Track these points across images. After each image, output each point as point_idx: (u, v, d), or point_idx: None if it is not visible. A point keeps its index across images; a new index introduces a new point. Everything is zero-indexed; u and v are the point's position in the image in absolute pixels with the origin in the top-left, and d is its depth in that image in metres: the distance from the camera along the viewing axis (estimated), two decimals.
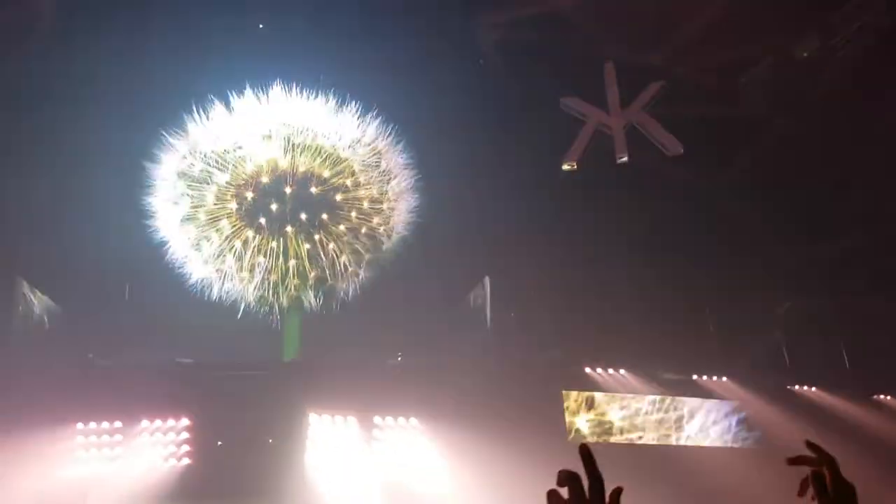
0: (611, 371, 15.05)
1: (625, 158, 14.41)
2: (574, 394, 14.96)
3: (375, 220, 14.83)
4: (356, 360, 13.89)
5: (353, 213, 14.76)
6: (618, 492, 3.41)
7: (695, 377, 15.70)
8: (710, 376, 15.71)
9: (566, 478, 3.46)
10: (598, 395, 15.10)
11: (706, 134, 14.15)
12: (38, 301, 13.61)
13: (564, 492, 3.35)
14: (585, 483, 3.37)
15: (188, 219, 14.55)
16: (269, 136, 14.66)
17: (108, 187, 13.90)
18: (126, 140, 14.17)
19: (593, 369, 15.03)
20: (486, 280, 15.00)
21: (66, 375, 13.09)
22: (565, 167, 14.87)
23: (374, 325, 14.16)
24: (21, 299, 13.43)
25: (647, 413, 15.34)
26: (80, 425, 13.05)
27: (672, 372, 15.64)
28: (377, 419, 13.98)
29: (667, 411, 15.47)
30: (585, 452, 3.53)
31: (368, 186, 14.75)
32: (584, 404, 15.01)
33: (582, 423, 15.06)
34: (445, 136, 14.57)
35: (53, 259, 13.42)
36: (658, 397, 15.44)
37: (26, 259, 13.50)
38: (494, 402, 13.95)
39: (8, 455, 11.95)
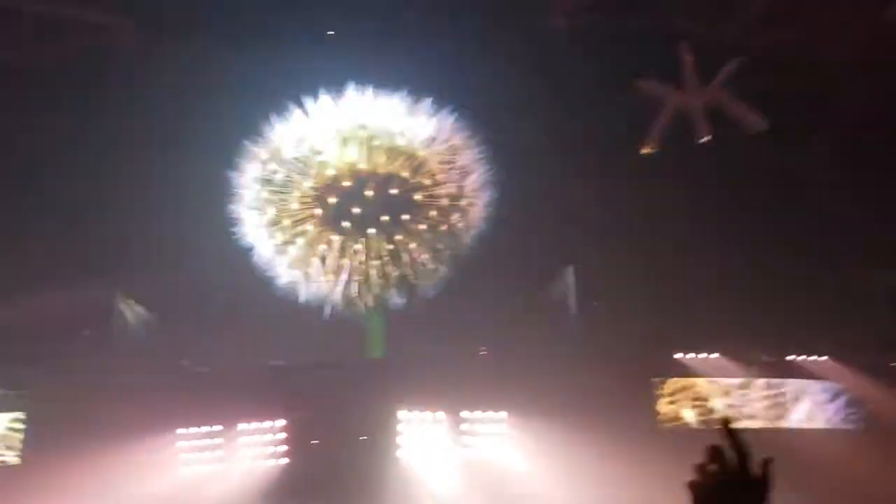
0: (703, 355, 14.68)
1: (706, 138, 14.00)
2: (671, 381, 14.68)
3: (454, 216, 14.86)
4: (441, 356, 13.97)
5: (433, 212, 14.82)
6: (768, 461, 3.44)
7: (792, 358, 15.15)
8: (808, 356, 15.14)
9: (714, 453, 3.48)
10: (699, 382, 14.74)
11: (788, 108, 13.58)
12: (133, 311, 14.15)
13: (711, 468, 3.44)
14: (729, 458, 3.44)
15: (273, 224, 14.86)
16: (348, 139, 14.84)
17: (196, 196, 14.29)
18: (209, 149, 14.54)
19: (684, 354, 14.70)
20: (570, 269, 14.85)
21: (164, 382, 13.64)
22: (644, 150, 14.54)
23: (457, 321, 14.18)
24: (118, 310, 13.99)
25: (751, 399, 14.91)
26: (181, 430, 13.60)
27: (767, 353, 15.16)
28: (465, 413, 14.09)
29: (772, 394, 15.00)
30: (728, 426, 3.50)
31: (446, 184, 14.79)
32: (683, 392, 14.70)
33: (686, 412, 14.79)
34: (522, 124, 14.43)
35: (145, 269, 13.89)
36: (762, 380, 14.96)
37: (120, 270, 14.00)
38: (582, 393, 13.84)
39: (116, 462, 12.56)
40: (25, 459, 12.67)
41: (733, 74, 13.37)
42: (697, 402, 14.84)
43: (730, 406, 14.80)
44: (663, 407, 14.68)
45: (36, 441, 12.88)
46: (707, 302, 13.99)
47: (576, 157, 14.31)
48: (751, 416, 14.78)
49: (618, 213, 14.41)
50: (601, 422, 13.43)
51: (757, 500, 3.41)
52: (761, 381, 15.01)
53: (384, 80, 14.46)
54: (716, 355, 14.64)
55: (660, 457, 12.77)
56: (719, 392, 14.93)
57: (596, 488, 13.06)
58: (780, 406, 15.11)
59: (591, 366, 14.14)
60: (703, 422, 14.64)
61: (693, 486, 3.64)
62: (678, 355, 14.68)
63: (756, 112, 13.41)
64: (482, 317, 14.38)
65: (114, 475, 12.53)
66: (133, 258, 14.08)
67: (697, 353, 14.62)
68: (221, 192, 14.43)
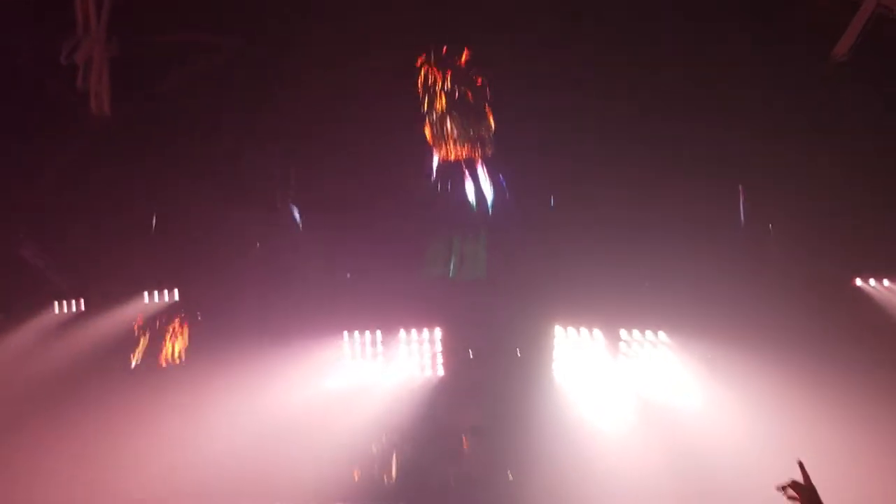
0: (886, 283, 13.48)
1: None
2: None
3: None
4: (600, 272, 13.70)
5: None
6: None
7: None
8: None
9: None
10: None
11: None
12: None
13: None
14: None
15: None
16: None
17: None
18: None
19: (865, 281, 13.57)
20: (739, 188, 13.97)
21: (331, 291, 14.33)
22: (836, 59, 13.14)
23: (618, 237, 13.77)
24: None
25: None
26: (345, 334, 14.30)
27: None
28: (623, 332, 13.85)
29: None
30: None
31: None
32: None
33: None
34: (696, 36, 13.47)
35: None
36: None
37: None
38: (749, 318, 13.23)
39: (281, 364, 13.49)
40: (197, 358, 13.79)
41: None
42: None
43: None
44: None
45: (208, 341, 13.95)
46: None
47: (756, 70, 13.21)
48: None
49: (795, 124, 13.26)
50: (771, 348, 12.85)
51: None
52: None
53: None
54: None
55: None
56: None
57: (763, 416, 12.63)
58: None
59: (760, 290, 13.44)
60: None
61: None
62: (858, 281, 13.56)
63: None
64: (644, 234, 13.89)
65: (279, 376, 13.48)
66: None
67: (880, 279, 13.44)
68: None
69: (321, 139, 13.84)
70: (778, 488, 4.98)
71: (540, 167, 14.55)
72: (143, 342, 14.24)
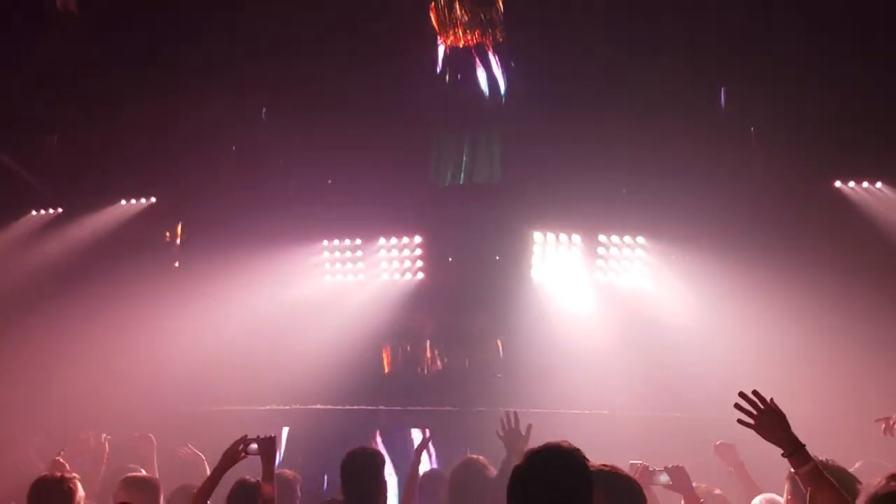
0: (865, 185, 13.42)
1: None
2: None
3: None
4: (581, 178, 13.65)
5: None
6: None
7: None
8: None
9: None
10: None
11: None
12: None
13: None
14: None
15: None
16: None
17: None
18: None
19: (844, 183, 13.51)
20: (722, 91, 13.84)
21: (310, 198, 14.28)
22: None
23: (601, 141, 13.65)
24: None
25: None
26: (325, 242, 14.29)
27: None
28: (602, 237, 13.86)
29: None
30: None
31: None
32: None
33: None
34: None
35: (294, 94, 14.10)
36: None
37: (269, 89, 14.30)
38: (726, 222, 13.23)
39: (263, 269, 13.47)
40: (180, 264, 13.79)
41: None
42: None
43: None
44: None
45: (188, 247, 13.94)
46: (873, 124, 12.64)
47: None
48: None
49: (779, 28, 13.06)
50: (743, 254, 12.86)
51: None
52: None
53: None
54: (879, 185, 13.34)
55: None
56: None
57: (734, 325, 12.67)
58: None
59: (738, 194, 13.39)
60: None
61: None
62: (838, 183, 13.51)
63: None
64: (626, 134, 13.73)
65: (261, 281, 13.49)
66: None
67: (859, 181, 13.37)
68: None
69: (301, 38, 13.61)
70: (742, 395, 4.75)
71: (522, 69, 14.41)
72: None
